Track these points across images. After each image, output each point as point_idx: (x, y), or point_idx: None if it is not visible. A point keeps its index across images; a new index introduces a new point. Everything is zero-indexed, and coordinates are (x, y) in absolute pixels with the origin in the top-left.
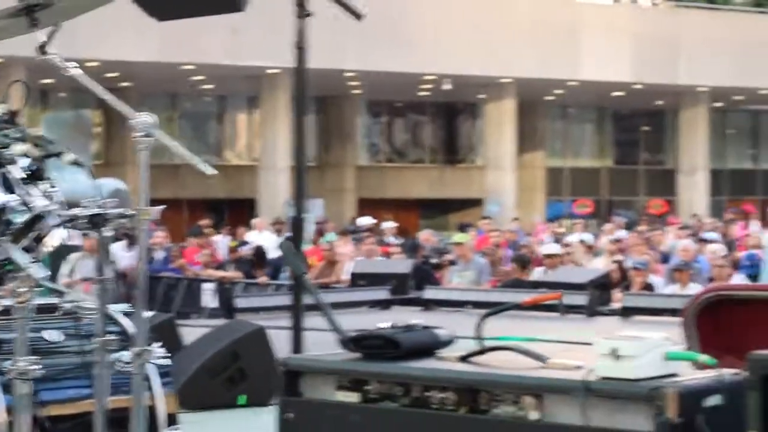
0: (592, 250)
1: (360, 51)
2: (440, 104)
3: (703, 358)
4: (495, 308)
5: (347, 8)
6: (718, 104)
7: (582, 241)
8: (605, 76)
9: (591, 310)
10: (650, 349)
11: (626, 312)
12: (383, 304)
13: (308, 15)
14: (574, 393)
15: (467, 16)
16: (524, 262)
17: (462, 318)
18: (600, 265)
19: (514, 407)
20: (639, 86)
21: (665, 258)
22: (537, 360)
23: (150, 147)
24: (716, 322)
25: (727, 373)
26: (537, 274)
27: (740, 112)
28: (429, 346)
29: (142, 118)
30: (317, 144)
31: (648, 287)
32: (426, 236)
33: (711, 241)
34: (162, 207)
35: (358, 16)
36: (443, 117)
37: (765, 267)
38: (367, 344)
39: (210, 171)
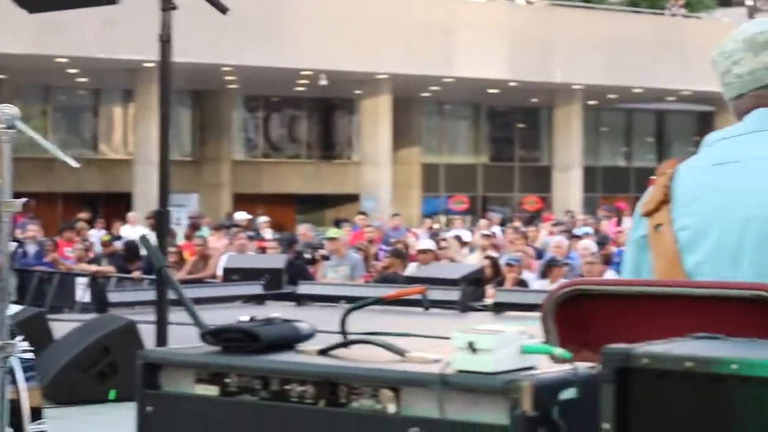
0: (466, 245)
1: (237, 46)
2: (317, 100)
3: (559, 351)
4: (358, 303)
5: (212, 2)
6: (593, 102)
7: (457, 237)
8: (481, 73)
9: (463, 306)
10: (506, 343)
11: (498, 307)
12: (257, 299)
13: (173, 8)
14: (431, 386)
15: (343, 12)
16: (400, 254)
17: (335, 313)
18: (474, 261)
19: (372, 400)
20: (514, 84)
21: (539, 254)
22: (396, 353)
23: (12, 139)
24: (574, 317)
25: (582, 366)
26: (411, 269)
27: (614, 110)
28: (289, 339)
29: (5, 110)
30: (193, 138)
31: (521, 283)
32: (304, 231)
33: (584, 237)
34: (25, 200)
35: (223, 10)
36: (320, 112)
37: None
38: (226, 338)
39: (74, 164)
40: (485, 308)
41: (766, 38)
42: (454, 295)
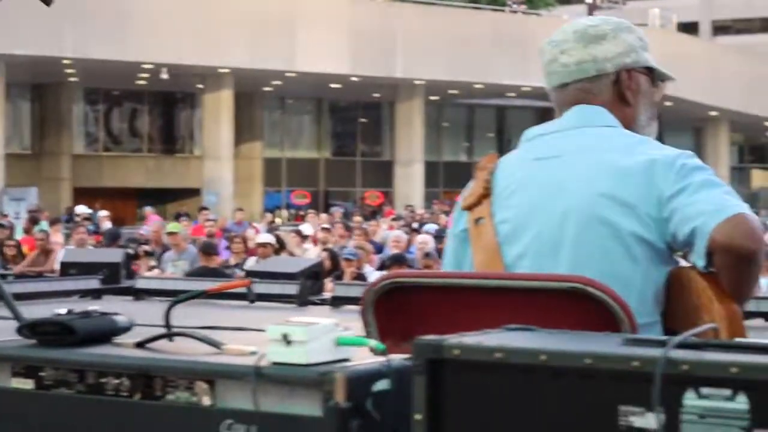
0: (306, 240)
1: (77, 38)
2: (158, 93)
3: (373, 343)
4: (181, 296)
5: None
6: (434, 98)
7: (297, 231)
8: (323, 68)
9: (302, 300)
10: (321, 335)
11: (336, 301)
12: (94, 294)
13: None
14: (245, 378)
15: (185, 6)
16: (207, 249)
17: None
18: (313, 255)
19: (187, 393)
20: (356, 79)
21: (379, 248)
22: (212, 346)
23: None
24: (393, 309)
25: (396, 358)
26: (250, 263)
27: (455, 105)
28: (106, 332)
29: None
30: (33, 132)
31: (360, 277)
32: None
33: (423, 232)
34: None
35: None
36: (161, 106)
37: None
38: (42, 330)
39: None
40: (324, 302)
41: (598, 32)
42: (292, 289)
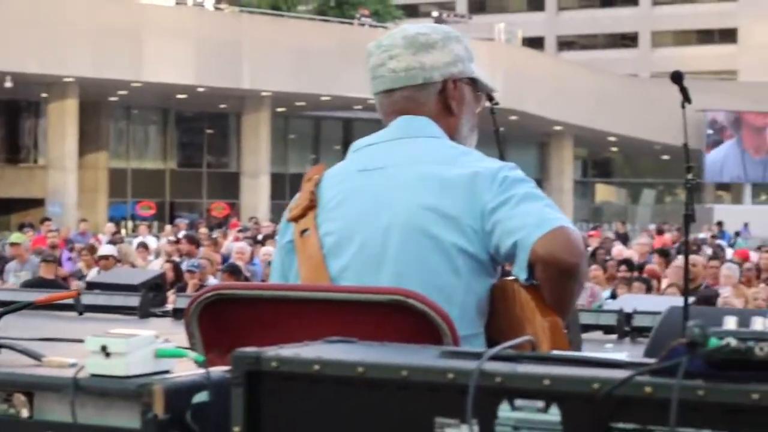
0: (150, 251)
1: None
2: (2, 102)
3: (192, 355)
4: (8, 308)
5: None
6: (281, 109)
7: (141, 243)
8: (169, 78)
9: (143, 312)
10: (140, 347)
11: (178, 313)
12: None
13: None
14: (64, 390)
15: (30, 14)
16: (47, 259)
17: (9, 318)
18: (157, 267)
19: (5, 405)
20: (203, 89)
21: (225, 260)
22: (33, 358)
23: None
24: (217, 322)
25: (217, 370)
26: (92, 275)
27: (302, 117)
28: None
29: None
30: None
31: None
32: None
33: (268, 244)
34: None
35: None
36: (5, 115)
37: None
38: None
39: None
40: (166, 314)
41: (427, 40)
42: (135, 300)
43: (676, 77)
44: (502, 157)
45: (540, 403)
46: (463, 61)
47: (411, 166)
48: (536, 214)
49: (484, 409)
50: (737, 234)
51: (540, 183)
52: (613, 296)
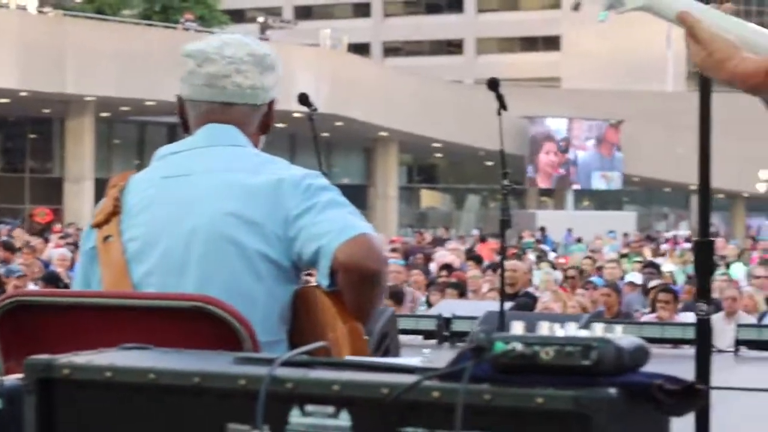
0: None
1: None
2: None
3: None
4: None
5: None
6: (105, 114)
7: None
8: None
9: None
10: None
11: None
12: None
13: None
14: None
15: None
16: None
17: None
18: None
19: None
20: (25, 93)
21: (46, 265)
22: None
23: None
24: (17, 329)
25: (11, 378)
26: None
27: (127, 122)
28: None
29: None
30: None
31: None
32: None
33: None
34: None
35: None
36: None
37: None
38: None
39: None
40: None
41: (270, 62)
42: None
43: (492, 84)
44: (320, 164)
45: (330, 409)
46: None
47: (216, 173)
48: (339, 221)
49: (275, 415)
50: (579, 240)
51: (365, 189)
52: (428, 303)
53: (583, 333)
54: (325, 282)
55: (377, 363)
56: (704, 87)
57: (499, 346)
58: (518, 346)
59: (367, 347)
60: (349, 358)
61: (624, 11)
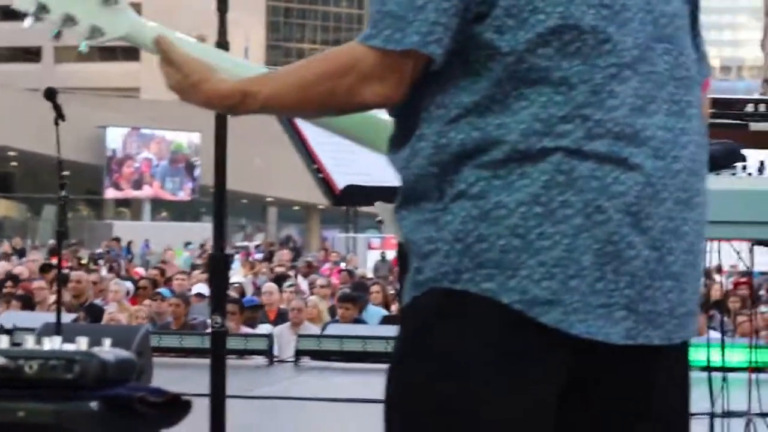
0: None
1: None
2: None
3: None
4: None
5: None
6: None
7: None
8: None
9: None
10: None
11: None
12: None
13: None
14: None
15: None
16: None
17: None
18: None
19: None
20: None
21: None
22: None
23: None
24: None
25: None
26: None
27: None
28: None
29: None
30: None
31: None
32: None
33: None
34: None
35: None
36: None
37: None
38: None
39: None
40: None
41: None
42: None
43: (49, 94)
44: None
45: None
46: None
47: None
48: None
49: None
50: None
51: None
52: None
53: (69, 347)
54: None
55: None
56: None
57: None
58: (1, 360)
59: None
60: None
61: (104, 41)
